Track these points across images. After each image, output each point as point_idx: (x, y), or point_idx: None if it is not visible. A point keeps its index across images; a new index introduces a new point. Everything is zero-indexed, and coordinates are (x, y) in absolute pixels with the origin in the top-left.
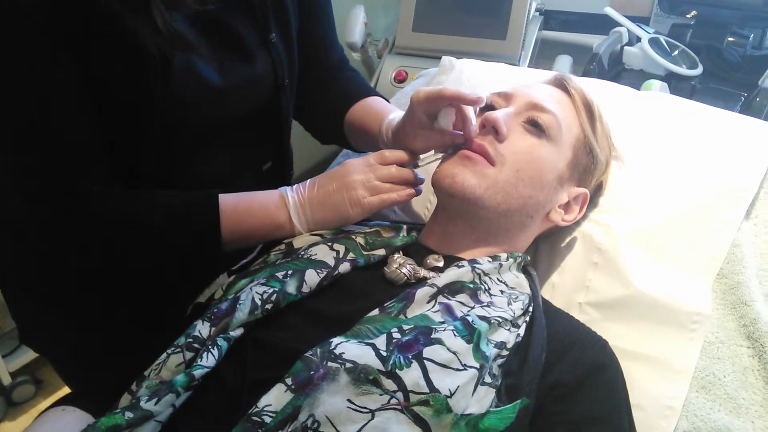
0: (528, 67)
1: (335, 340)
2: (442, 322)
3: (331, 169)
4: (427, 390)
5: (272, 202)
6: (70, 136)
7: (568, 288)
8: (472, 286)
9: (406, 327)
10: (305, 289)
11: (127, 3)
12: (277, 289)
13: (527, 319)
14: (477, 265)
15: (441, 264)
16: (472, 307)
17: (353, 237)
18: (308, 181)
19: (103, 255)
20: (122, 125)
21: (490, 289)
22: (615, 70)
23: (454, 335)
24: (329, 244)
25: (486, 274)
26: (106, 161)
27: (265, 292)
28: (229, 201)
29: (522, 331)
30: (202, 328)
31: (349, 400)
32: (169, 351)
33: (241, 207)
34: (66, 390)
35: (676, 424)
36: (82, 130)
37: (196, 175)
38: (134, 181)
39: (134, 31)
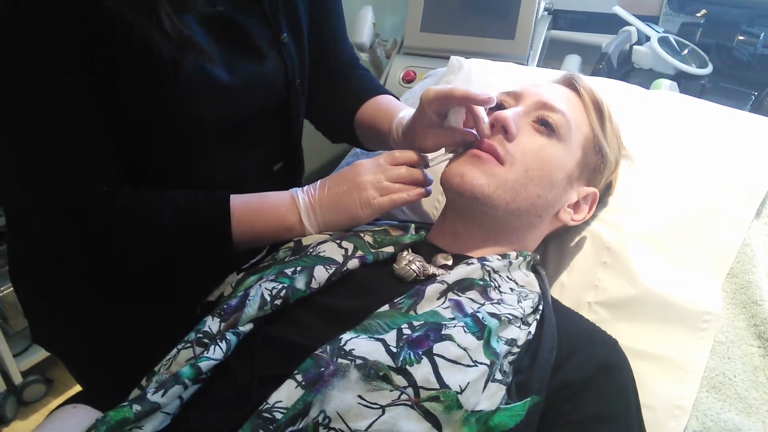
0: (537, 66)
1: (345, 336)
2: (453, 319)
3: (342, 170)
4: (437, 386)
5: (283, 203)
6: (77, 137)
7: (578, 287)
8: (482, 283)
9: (416, 323)
10: (314, 285)
11: (133, 6)
12: (286, 285)
13: (537, 317)
14: (486, 263)
15: (450, 262)
16: (483, 304)
17: (361, 235)
18: (318, 182)
19: (112, 254)
20: (133, 126)
21: (500, 286)
22: (624, 69)
23: (465, 332)
24: (338, 241)
25: (496, 272)
26: (114, 161)
27: (274, 288)
28: (239, 202)
29: (532, 329)
30: (212, 324)
31: (359, 396)
32: (179, 347)
33: (251, 208)
34: (77, 389)
35: (686, 424)
36: (88, 131)
37: (207, 175)
38: (145, 181)
39: (142, 35)
